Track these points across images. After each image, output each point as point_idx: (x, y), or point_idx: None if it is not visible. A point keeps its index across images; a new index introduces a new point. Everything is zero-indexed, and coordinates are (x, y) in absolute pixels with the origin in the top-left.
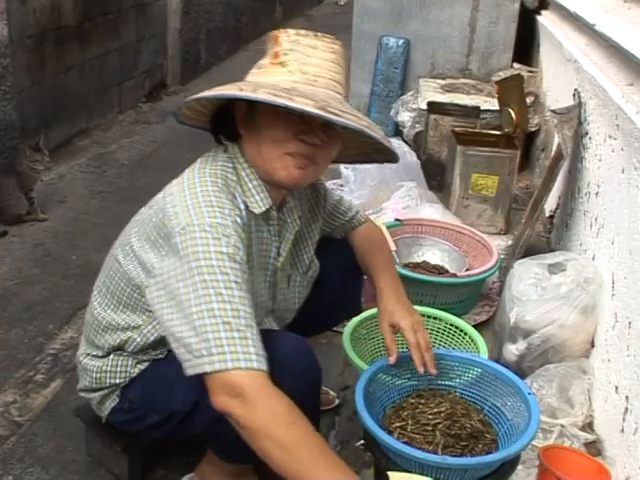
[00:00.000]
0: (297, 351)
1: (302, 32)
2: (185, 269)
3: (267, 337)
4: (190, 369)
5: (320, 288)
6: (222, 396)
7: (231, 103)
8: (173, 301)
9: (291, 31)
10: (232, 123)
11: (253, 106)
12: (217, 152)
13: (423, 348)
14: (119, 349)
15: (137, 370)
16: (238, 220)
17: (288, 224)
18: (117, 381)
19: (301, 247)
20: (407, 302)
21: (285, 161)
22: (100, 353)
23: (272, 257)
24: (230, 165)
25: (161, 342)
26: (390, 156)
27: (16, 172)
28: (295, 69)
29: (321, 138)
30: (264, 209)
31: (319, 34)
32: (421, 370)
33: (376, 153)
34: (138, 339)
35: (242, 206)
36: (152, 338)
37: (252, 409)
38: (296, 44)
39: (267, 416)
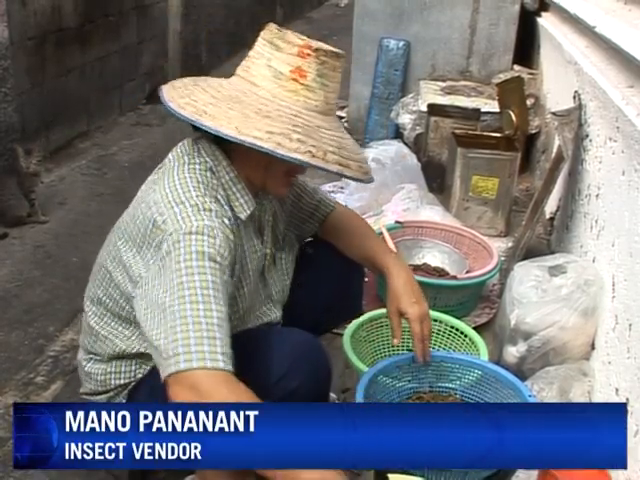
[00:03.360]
0: (308, 348)
1: (328, 51)
2: (167, 272)
3: (276, 334)
4: (162, 373)
5: (320, 289)
6: (181, 394)
7: None
8: (152, 307)
9: (319, 49)
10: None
11: None
12: (191, 156)
13: (425, 338)
14: (119, 356)
15: (142, 370)
16: (225, 221)
17: (265, 206)
18: (122, 382)
19: (275, 225)
20: (415, 285)
21: (284, 180)
22: (103, 359)
23: (260, 248)
24: (208, 169)
25: None
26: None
27: (17, 173)
28: (321, 100)
29: None
30: (249, 212)
31: (339, 53)
32: (421, 360)
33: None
34: (139, 347)
35: (227, 207)
36: None
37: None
38: (323, 67)
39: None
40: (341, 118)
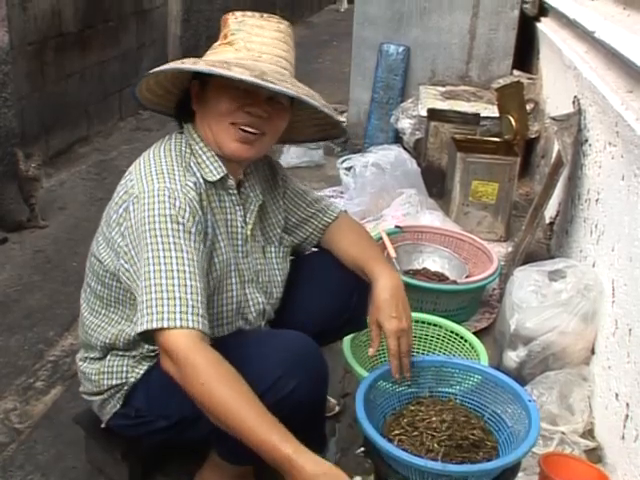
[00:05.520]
0: (304, 349)
1: (249, 13)
2: (135, 236)
3: (271, 335)
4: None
5: (327, 300)
6: (162, 355)
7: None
8: (132, 267)
9: (238, 13)
10: (189, 104)
11: (205, 84)
12: (169, 136)
13: (403, 355)
14: (113, 347)
15: (135, 374)
16: (190, 184)
17: (251, 198)
18: (115, 382)
19: (267, 224)
20: (401, 299)
21: (231, 133)
22: (97, 355)
23: (239, 226)
24: (183, 141)
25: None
26: (339, 128)
27: (17, 177)
28: (241, 47)
29: (266, 110)
30: (218, 177)
31: (265, 15)
32: (397, 376)
33: (332, 128)
34: (128, 330)
35: (198, 174)
36: None
37: (178, 368)
38: (242, 24)
39: (196, 376)
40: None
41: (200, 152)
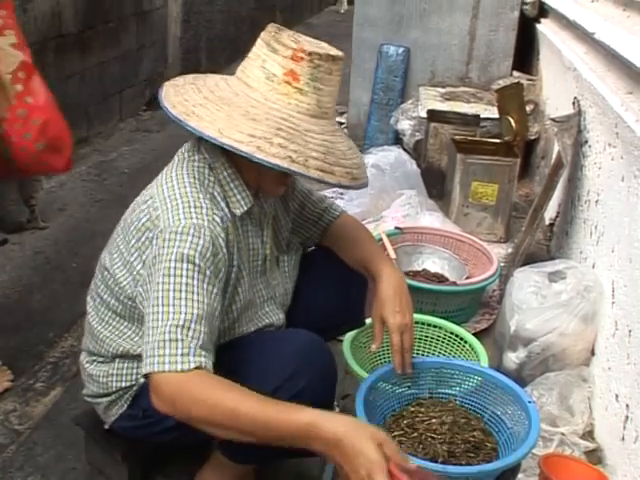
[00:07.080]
0: (312, 346)
1: (323, 54)
2: (153, 270)
3: (280, 335)
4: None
5: (320, 297)
6: (153, 397)
7: None
8: (145, 295)
9: (313, 53)
10: None
11: None
12: (191, 153)
13: (406, 350)
14: (123, 355)
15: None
16: (217, 219)
17: (265, 209)
18: (124, 384)
19: (277, 229)
20: (404, 295)
21: (278, 180)
22: (106, 359)
23: (260, 247)
24: (206, 166)
25: None
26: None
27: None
28: (314, 103)
29: None
30: (246, 208)
31: (335, 55)
32: (399, 371)
33: None
34: (142, 344)
35: (222, 204)
36: None
37: (176, 407)
38: (317, 71)
39: (192, 407)
40: (341, 124)
41: (228, 179)
